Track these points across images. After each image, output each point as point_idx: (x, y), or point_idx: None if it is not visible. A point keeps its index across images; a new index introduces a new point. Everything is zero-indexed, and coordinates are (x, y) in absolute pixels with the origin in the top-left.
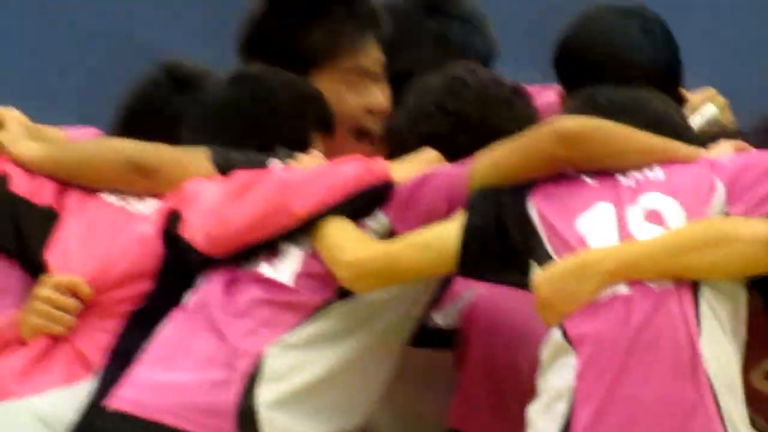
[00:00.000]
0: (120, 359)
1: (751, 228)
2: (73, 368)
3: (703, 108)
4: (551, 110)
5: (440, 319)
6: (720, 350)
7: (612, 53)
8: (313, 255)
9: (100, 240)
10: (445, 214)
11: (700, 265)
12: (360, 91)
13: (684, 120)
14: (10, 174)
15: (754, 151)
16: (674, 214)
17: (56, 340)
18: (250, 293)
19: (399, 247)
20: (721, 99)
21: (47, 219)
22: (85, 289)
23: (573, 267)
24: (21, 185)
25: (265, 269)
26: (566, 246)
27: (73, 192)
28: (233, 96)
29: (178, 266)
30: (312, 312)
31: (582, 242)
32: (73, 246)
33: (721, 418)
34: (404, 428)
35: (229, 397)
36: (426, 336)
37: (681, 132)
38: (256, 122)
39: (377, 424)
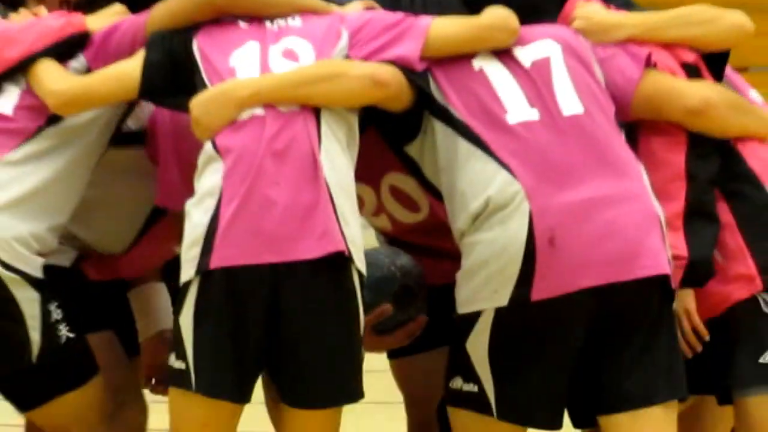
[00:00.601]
0: None
1: (361, 68)
2: None
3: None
4: None
5: (132, 123)
6: (337, 161)
7: None
8: (28, 91)
9: None
10: (130, 53)
11: (318, 94)
12: None
13: None
14: None
15: (381, 11)
16: (306, 53)
17: None
18: None
19: (95, 79)
20: None
21: None
22: None
23: (217, 93)
24: None
25: None
26: (218, 76)
27: None
28: None
29: None
30: (29, 136)
31: (232, 73)
32: None
33: (335, 211)
34: (114, 208)
35: None
36: (125, 138)
37: None
38: None
39: (89, 202)
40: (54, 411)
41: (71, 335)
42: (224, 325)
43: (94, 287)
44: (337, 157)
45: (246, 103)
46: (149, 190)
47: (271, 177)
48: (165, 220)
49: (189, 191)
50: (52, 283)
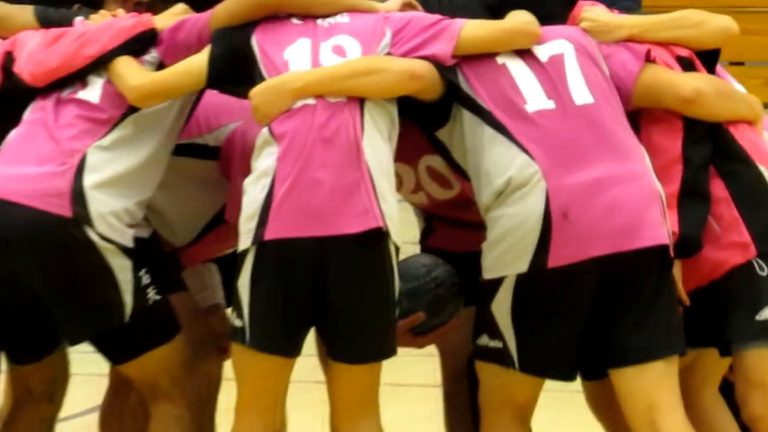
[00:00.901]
0: None
1: (400, 63)
2: None
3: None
4: None
5: (210, 140)
6: (377, 147)
7: None
8: (110, 82)
9: None
10: (197, 48)
11: (362, 86)
12: None
13: None
14: None
15: (420, 10)
16: (353, 49)
17: None
18: (73, 110)
19: (167, 74)
20: None
21: None
22: None
23: (275, 84)
24: None
25: (80, 93)
26: (275, 68)
27: None
28: None
29: (15, 92)
30: (115, 123)
31: (286, 66)
32: None
33: (375, 191)
34: (187, 209)
35: (65, 183)
36: (201, 151)
37: None
38: None
39: (163, 203)
40: (143, 364)
41: (157, 298)
42: (276, 288)
43: (170, 254)
44: (377, 143)
45: (300, 93)
46: (214, 198)
47: (320, 160)
48: (224, 227)
49: None
50: (139, 252)
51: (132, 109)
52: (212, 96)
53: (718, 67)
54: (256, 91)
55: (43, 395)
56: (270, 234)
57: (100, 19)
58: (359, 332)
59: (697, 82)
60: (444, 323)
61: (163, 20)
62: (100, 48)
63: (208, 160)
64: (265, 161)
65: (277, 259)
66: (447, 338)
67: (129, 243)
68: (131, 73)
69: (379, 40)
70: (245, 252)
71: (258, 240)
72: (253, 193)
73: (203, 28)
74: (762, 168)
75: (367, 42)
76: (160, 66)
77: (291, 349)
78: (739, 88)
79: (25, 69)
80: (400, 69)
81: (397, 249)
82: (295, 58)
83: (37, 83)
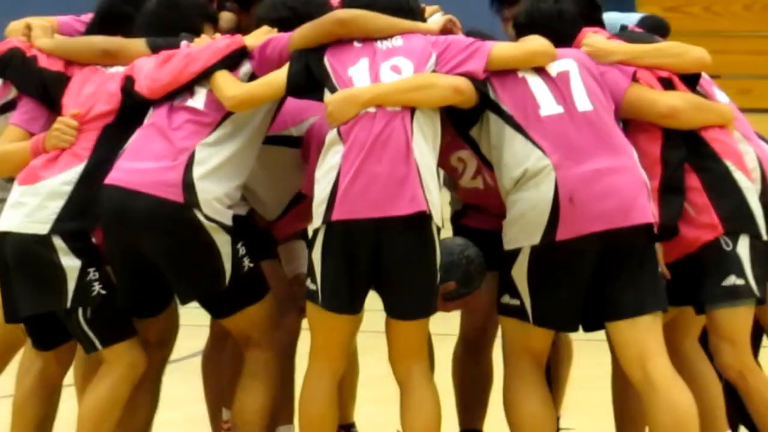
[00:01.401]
0: (98, 158)
1: (446, 80)
2: (71, 161)
3: (434, 16)
4: (339, 5)
5: (295, 131)
6: (423, 148)
7: None
8: (212, 91)
9: (89, 89)
10: (278, 64)
11: (415, 99)
12: None
13: (422, 11)
14: (37, 55)
15: (459, 34)
16: (407, 68)
17: (62, 149)
18: (183, 116)
19: (255, 85)
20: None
21: (61, 80)
22: (76, 122)
23: (347, 95)
24: (43, 61)
25: (188, 102)
26: (343, 83)
27: (75, 65)
28: (157, 8)
29: (136, 106)
30: (217, 124)
31: (351, 82)
32: (75, 93)
33: (421, 182)
34: (276, 188)
35: (178, 175)
36: (288, 141)
37: (419, 18)
38: (171, 23)
39: (257, 183)
40: (239, 319)
41: (251, 265)
42: (341, 260)
43: (263, 229)
44: (423, 145)
45: (367, 104)
46: (296, 178)
47: (376, 158)
48: (304, 204)
49: None
50: (237, 228)
51: (229, 113)
52: (292, 100)
53: (707, 79)
54: (331, 100)
55: (158, 342)
56: (336, 216)
57: (202, 42)
58: (408, 295)
59: (673, 100)
60: (469, 293)
61: (252, 39)
62: (202, 65)
63: (292, 148)
64: (332, 158)
65: (342, 236)
66: (470, 302)
67: (229, 222)
68: (227, 84)
69: (427, 60)
70: (317, 230)
71: (327, 220)
72: (322, 183)
73: (283, 48)
74: (728, 163)
75: (418, 62)
76: (253, 76)
77: (353, 309)
78: (722, 96)
79: (143, 86)
80: (447, 85)
81: (439, 229)
82: (357, 75)
83: (153, 96)
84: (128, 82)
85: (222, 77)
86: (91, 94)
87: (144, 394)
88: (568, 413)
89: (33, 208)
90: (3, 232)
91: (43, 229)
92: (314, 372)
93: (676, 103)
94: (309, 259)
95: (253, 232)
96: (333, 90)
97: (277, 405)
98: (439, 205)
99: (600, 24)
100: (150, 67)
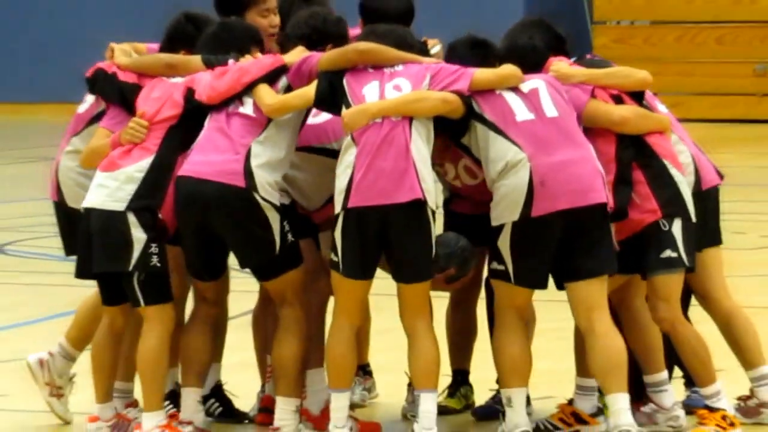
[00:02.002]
0: (165, 152)
1: (435, 93)
2: (143, 153)
3: (435, 47)
4: (355, 39)
5: (336, 145)
6: (420, 147)
7: (383, 7)
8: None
9: (157, 96)
10: (309, 80)
11: (413, 109)
12: (268, 18)
13: (423, 45)
14: (117, 72)
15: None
16: (406, 87)
17: (135, 143)
18: (238, 120)
19: (288, 97)
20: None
21: (134, 89)
22: (147, 122)
23: (359, 109)
24: (121, 76)
25: (240, 108)
26: (357, 99)
27: (146, 77)
28: (217, 31)
29: (195, 110)
30: (264, 126)
31: (364, 99)
32: (145, 98)
33: (417, 174)
34: (318, 186)
35: (239, 165)
36: (329, 152)
37: (420, 51)
38: (226, 44)
39: (304, 182)
40: (278, 282)
41: (293, 240)
42: (357, 237)
43: (303, 215)
44: (420, 145)
45: (375, 115)
46: (334, 180)
47: (383, 156)
48: None
49: None
50: (284, 210)
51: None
52: (336, 119)
53: (650, 95)
54: (347, 112)
55: (214, 301)
56: (351, 203)
57: (249, 59)
58: (409, 264)
59: (623, 111)
60: (465, 275)
61: (290, 57)
62: (251, 78)
63: (331, 158)
64: (348, 158)
65: (357, 219)
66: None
67: (278, 202)
68: (266, 95)
69: (422, 81)
70: (338, 215)
71: (344, 207)
72: (341, 177)
73: (313, 68)
74: (666, 162)
75: (415, 82)
76: (289, 88)
77: (367, 275)
78: (662, 108)
79: (203, 94)
80: (437, 97)
81: (433, 211)
82: (368, 93)
83: (211, 102)
84: (189, 92)
85: (263, 89)
86: (158, 98)
87: (206, 339)
88: (537, 358)
89: (113, 189)
90: (88, 208)
91: (120, 206)
92: (337, 325)
93: (626, 114)
94: (332, 237)
95: (294, 216)
96: (348, 105)
97: (308, 352)
98: (434, 192)
99: (565, 53)
100: (208, 79)
